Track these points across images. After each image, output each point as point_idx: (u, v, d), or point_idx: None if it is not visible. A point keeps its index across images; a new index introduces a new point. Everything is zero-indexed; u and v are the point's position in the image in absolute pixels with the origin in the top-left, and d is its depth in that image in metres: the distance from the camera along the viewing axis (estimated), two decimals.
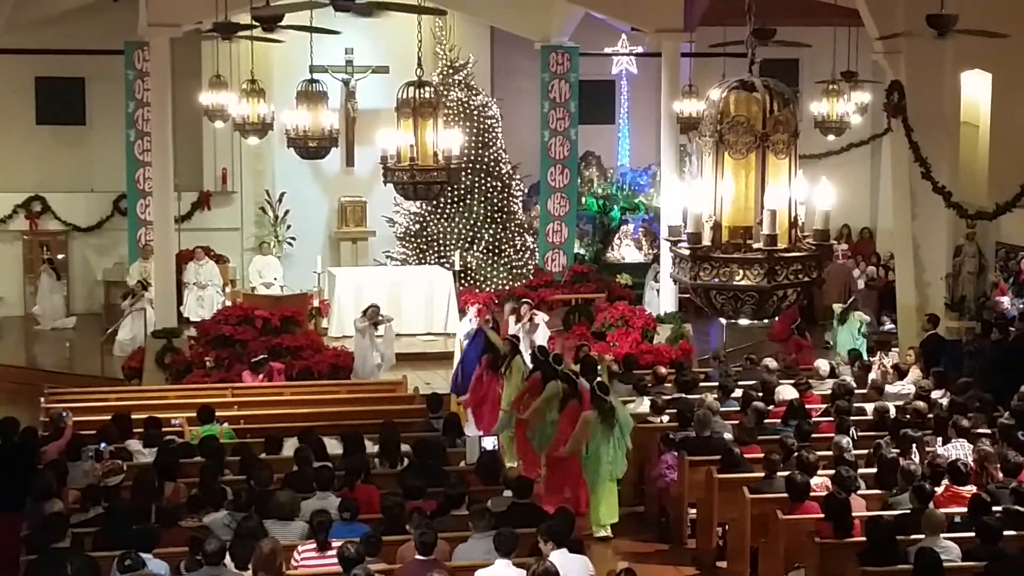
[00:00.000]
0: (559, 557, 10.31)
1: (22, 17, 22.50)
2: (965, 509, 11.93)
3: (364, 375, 20.09)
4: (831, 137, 24.05)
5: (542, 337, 20.22)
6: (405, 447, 14.08)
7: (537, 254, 27.12)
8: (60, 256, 26.63)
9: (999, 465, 13.10)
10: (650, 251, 27.08)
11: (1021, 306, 20.79)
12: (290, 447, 14.09)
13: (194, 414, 15.53)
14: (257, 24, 18.41)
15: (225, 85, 23.37)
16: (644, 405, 16.76)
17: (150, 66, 22.66)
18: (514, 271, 26.55)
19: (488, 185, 26.50)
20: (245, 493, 12.08)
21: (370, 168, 25.92)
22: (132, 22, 23.57)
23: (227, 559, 10.40)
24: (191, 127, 25.86)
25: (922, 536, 11.24)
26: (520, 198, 27.30)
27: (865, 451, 14.13)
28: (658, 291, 24.54)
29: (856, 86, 24.21)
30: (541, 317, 20.86)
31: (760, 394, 16.40)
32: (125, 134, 25.73)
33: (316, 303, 24.06)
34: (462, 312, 22.57)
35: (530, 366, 17.33)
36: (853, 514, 11.91)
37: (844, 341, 21.43)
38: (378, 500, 12.22)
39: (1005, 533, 11.25)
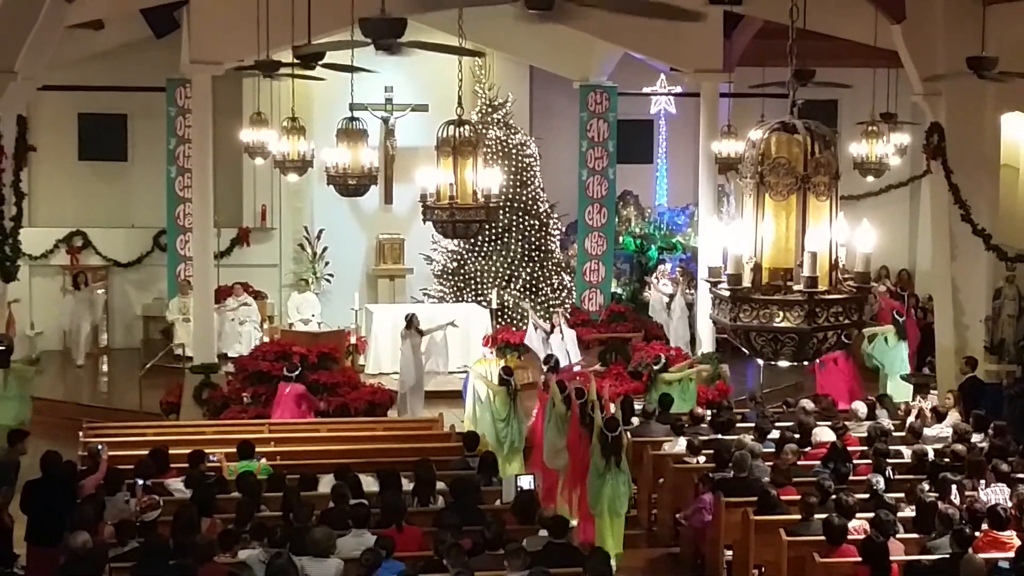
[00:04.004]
0: None
1: (66, 54, 22.70)
2: (1004, 554, 11.83)
3: (413, 385, 20.15)
4: (870, 178, 23.97)
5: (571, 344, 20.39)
6: (441, 485, 14.08)
7: (574, 293, 27.13)
8: (100, 291, 26.81)
9: None
10: (688, 291, 27.04)
11: None
12: (326, 484, 14.12)
13: (231, 450, 15.57)
14: (298, 62, 18.55)
15: (266, 122, 23.52)
16: (680, 445, 16.72)
17: (191, 103, 22.89)
18: (551, 310, 26.54)
19: (526, 223, 26.55)
20: (280, 529, 12.10)
21: (408, 206, 26.04)
22: (174, 60, 23.80)
23: None
24: (231, 164, 26.00)
25: None
26: (558, 237, 27.33)
27: (903, 494, 14.05)
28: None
29: (895, 127, 24.16)
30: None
31: (797, 436, 16.34)
32: (166, 170, 25.96)
33: (353, 340, 24.11)
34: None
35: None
36: (891, 558, 11.83)
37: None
38: (419, 541, 12.20)
39: None
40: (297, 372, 19.56)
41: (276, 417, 19.10)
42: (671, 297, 25.54)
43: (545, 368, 19.16)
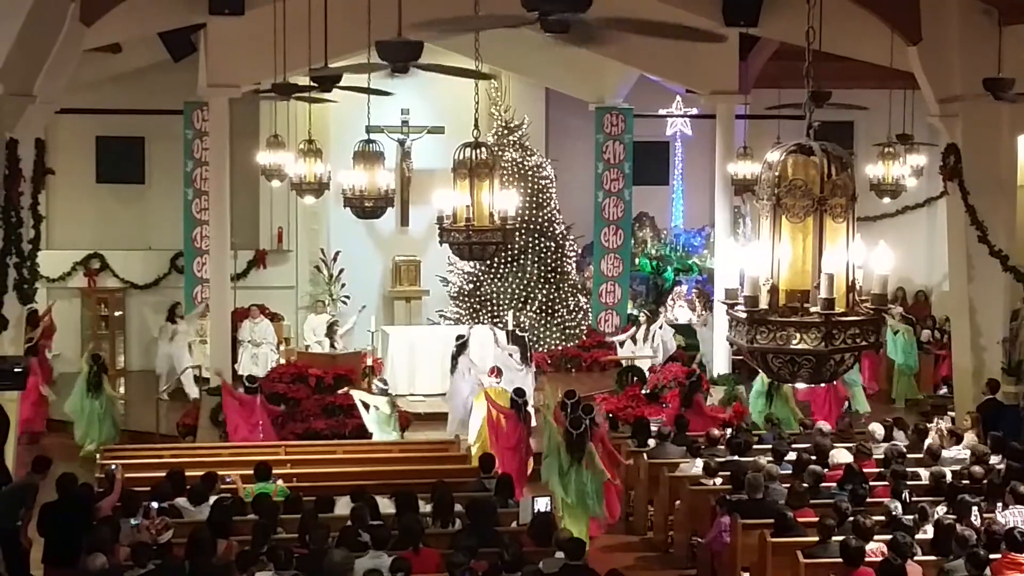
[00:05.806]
0: None
1: (84, 77, 22.80)
2: None
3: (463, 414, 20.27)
4: (887, 200, 23.96)
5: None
6: (457, 507, 14.07)
7: (590, 314, 27.12)
8: (117, 313, 26.88)
9: None
10: (703, 312, 27.01)
11: None
12: (343, 506, 14.12)
13: (248, 472, 15.57)
14: (315, 85, 18.61)
15: (282, 145, 23.59)
16: (697, 467, 16.69)
17: (209, 126, 23.02)
18: (567, 331, 26.54)
19: (542, 245, 26.56)
20: (284, 553, 12.07)
21: (424, 227, 26.10)
22: (192, 83, 23.89)
23: None
24: (248, 186, 26.11)
25: None
26: (574, 258, 27.33)
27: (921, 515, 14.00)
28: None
29: (912, 149, 24.17)
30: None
31: (814, 457, 16.30)
32: (183, 193, 26.04)
33: (370, 362, 24.10)
34: None
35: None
36: None
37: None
38: (436, 563, 12.20)
39: None
40: (256, 385, 19.76)
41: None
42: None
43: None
